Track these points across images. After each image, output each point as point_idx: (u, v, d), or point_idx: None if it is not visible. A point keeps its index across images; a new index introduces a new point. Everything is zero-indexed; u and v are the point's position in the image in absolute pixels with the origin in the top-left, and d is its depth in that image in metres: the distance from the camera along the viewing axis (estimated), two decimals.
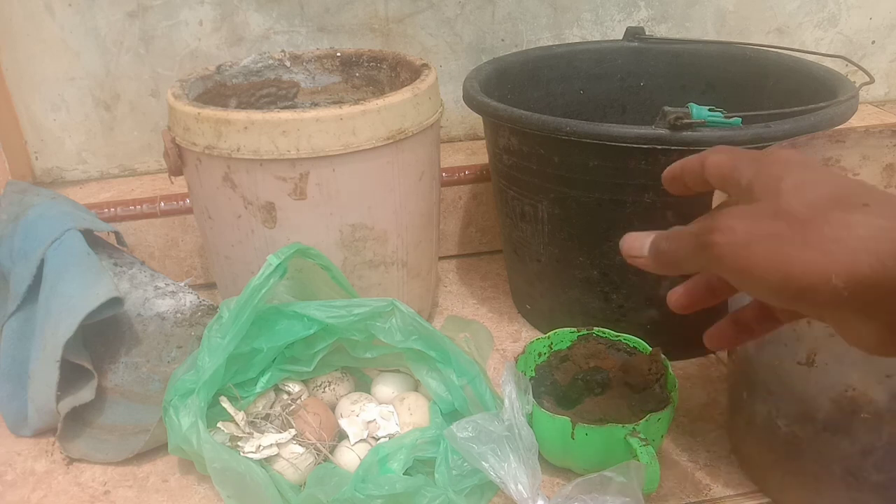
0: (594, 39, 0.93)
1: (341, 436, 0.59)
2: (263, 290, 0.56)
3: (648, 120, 0.84)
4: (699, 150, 0.56)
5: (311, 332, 0.58)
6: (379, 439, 0.58)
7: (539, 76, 0.81)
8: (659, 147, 0.57)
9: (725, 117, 0.55)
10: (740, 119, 0.56)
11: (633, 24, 0.94)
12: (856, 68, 0.69)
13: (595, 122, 0.59)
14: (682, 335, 0.69)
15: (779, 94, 0.75)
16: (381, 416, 0.59)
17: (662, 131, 0.56)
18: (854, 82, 0.66)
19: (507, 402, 0.54)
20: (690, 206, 0.60)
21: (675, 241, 0.31)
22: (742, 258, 0.27)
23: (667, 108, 0.56)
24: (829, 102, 0.60)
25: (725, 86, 0.80)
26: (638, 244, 0.33)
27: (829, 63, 0.70)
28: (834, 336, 0.42)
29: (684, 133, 0.55)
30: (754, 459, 0.56)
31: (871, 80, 0.64)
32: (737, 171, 0.31)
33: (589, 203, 0.63)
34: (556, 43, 0.93)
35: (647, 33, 0.84)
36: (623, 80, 0.84)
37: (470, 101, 0.69)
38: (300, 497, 0.53)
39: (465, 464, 0.53)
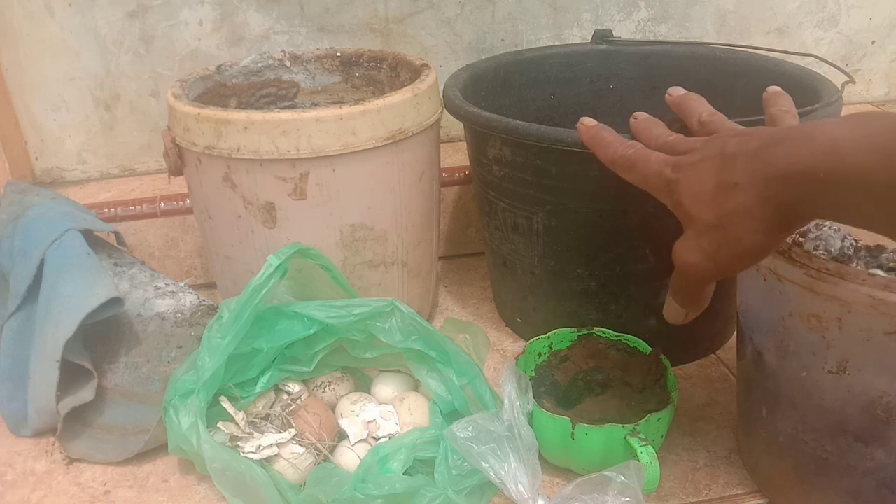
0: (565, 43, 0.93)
1: (341, 436, 0.59)
2: (264, 291, 0.56)
3: (620, 122, 0.83)
4: None
5: (312, 332, 0.58)
6: (379, 439, 0.58)
7: (511, 82, 0.80)
8: None
9: None
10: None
11: (633, 25, 0.95)
12: (852, 69, 0.69)
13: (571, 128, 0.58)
14: (680, 343, 0.69)
15: (752, 95, 0.75)
16: (381, 416, 0.59)
17: None
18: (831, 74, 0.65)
19: (506, 401, 0.54)
20: None
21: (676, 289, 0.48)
22: (713, 272, 0.44)
23: (671, 117, 0.55)
24: (821, 104, 0.60)
25: (696, 87, 0.79)
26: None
27: (823, 65, 0.70)
28: (869, 340, 0.42)
29: None
30: (777, 479, 0.54)
31: (851, 80, 0.64)
32: (660, 194, 0.47)
33: (588, 214, 0.62)
34: (554, 44, 0.93)
35: (615, 35, 0.83)
36: (593, 83, 0.83)
37: (456, 111, 0.66)
38: (300, 497, 0.53)
39: (465, 464, 0.53)
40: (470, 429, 0.53)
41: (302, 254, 0.58)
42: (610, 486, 0.50)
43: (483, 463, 0.52)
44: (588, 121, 0.54)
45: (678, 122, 0.54)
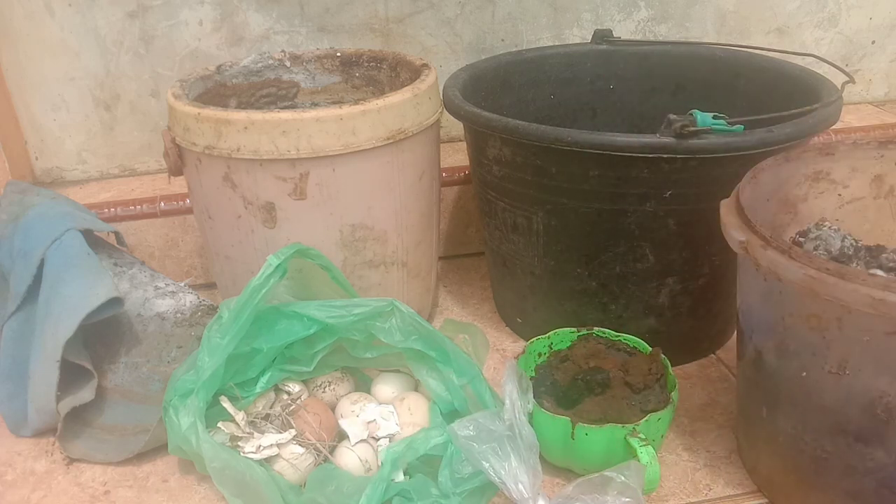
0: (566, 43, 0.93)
1: (341, 436, 0.59)
2: (263, 291, 0.56)
3: (619, 122, 0.84)
4: (705, 158, 0.56)
5: (311, 332, 0.58)
6: (379, 439, 0.58)
7: (511, 82, 0.80)
8: (664, 156, 0.56)
9: (728, 123, 0.55)
10: (742, 126, 0.55)
11: (633, 25, 0.95)
12: (852, 69, 0.69)
13: (578, 129, 0.58)
14: (680, 343, 0.69)
15: (752, 94, 0.75)
16: (381, 416, 0.59)
17: (668, 140, 0.55)
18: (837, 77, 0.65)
19: (507, 401, 0.54)
20: (691, 214, 0.60)
21: None
22: None
23: (672, 117, 0.55)
24: (822, 103, 0.60)
25: (696, 86, 0.80)
26: None
27: (822, 65, 0.70)
28: (869, 340, 0.42)
29: (690, 141, 0.55)
30: (777, 479, 0.54)
31: (851, 80, 0.64)
32: None
33: (588, 213, 0.62)
34: (554, 44, 0.93)
35: (615, 35, 0.84)
36: (592, 83, 0.83)
37: (456, 111, 0.66)
38: (301, 499, 0.52)
39: (469, 468, 0.53)
40: (471, 427, 0.53)
41: (302, 254, 0.58)
42: (610, 486, 0.50)
43: (483, 462, 0.52)
44: None
45: (677, 122, 0.54)
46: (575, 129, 0.58)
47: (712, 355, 0.72)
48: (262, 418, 0.59)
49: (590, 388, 0.60)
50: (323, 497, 0.51)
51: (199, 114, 0.60)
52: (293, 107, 0.78)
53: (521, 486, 0.51)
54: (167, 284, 0.74)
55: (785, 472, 0.52)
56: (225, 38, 0.87)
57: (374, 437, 0.58)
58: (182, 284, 0.74)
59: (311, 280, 0.61)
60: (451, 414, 0.59)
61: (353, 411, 0.59)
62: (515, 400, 0.54)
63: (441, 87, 0.70)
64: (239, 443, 0.56)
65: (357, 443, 0.57)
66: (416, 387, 0.63)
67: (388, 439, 0.58)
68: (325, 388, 0.62)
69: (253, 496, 0.52)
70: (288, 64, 0.77)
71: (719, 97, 0.77)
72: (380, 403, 0.61)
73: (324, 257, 0.60)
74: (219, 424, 0.56)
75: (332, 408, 0.61)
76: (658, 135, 0.56)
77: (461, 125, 0.72)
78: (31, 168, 0.90)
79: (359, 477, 0.55)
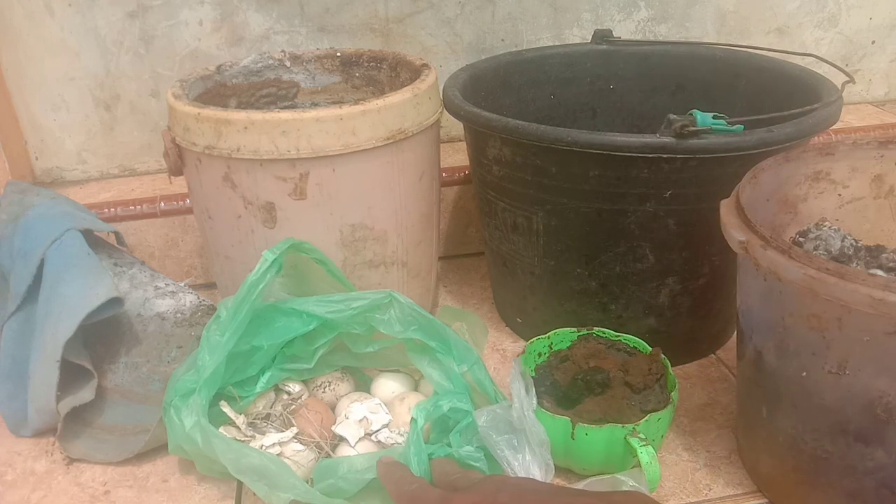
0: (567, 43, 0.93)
1: (340, 439, 0.59)
2: (260, 286, 0.56)
3: (619, 122, 0.84)
4: (705, 158, 0.56)
5: (311, 327, 0.58)
6: (375, 433, 0.58)
7: (511, 82, 0.80)
8: (664, 156, 0.56)
9: (728, 123, 0.55)
10: (742, 126, 0.55)
11: (633, 25, 0.95)
12: (852, 69, 0.69)
13: (577, 129, 0.58)
14: (680, 343, 0.69)
15: (752, 94, 0.75)
16: (369, 410, 0.59)
17: (668, 140, 0.55)
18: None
19: (516, 401, 0.54)
20: (691, 214, 0.60)
21: None
22: None
23: (672, 117, 0.55)
24: (822, 103, 0.60)
25: (696, 86, 0.80)
26: None
27: (822, 65, 0.70)
28: (869, 340, 0.42)
29: (690, 141, 0.55)
30: (777, 479, 0.54)
31: (851, 80, 0.64)
32: None
33: (588, 213, 0.62)
34: (554, 44, 0.93)
35: (615, 35, 0.84)
36: (592, 83, 0.83)
37: (456, 111, 0.66)
38: (319, 486, 0.52)
39: (479, 441, 0.54)
40: (490, 417, 0.53)
41: (296, 248, 0.58)
42: (619, 489, 0.50)
43: (498, 451, 0.52)
44: (385, 458, 0.53)
45: (677, 122, 0.54)
46: (575, 129, 0.58)
47: (712, 355, 0.72)
48: (262, 418, 0.59)
49: (590, 388, 0.60)
50: (341, 481, 0.51)
51: (199, 114, 0.60)
52: (293, 107, 0.78)
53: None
54: (167, 284, 0.74)
55: (785, 472, 0.52)
56: (225, 38, 0.87)
57: (369, 433, 0.58)
58: (182, 284, 0.74)
59: (307, 276, 0.61)
60: None
61: (344, 416, 0.59)
62: (524, 398, 0.54)
63: (441, 87, 0.71)
64: None
65: (357, 442, 0.57)
66: (415, 386, 0.63)
67: (386, 430, 0.58)
68: (325, 388, 0.62)
69: (274, 477, 0.52)
70: (288, 64, 0.77)
71: (719, 97, 0.77)
72: (363, 402, 0.60)
73: (318, 251, 0.60)
74: (220, 429, 0.56)
75: (332, 408, 0.61)
76: (658, 135, 0.56)
77: (461, 125, 0.72)
78: (31, 168, 0.90)
79: (365, 454, 0.55)
